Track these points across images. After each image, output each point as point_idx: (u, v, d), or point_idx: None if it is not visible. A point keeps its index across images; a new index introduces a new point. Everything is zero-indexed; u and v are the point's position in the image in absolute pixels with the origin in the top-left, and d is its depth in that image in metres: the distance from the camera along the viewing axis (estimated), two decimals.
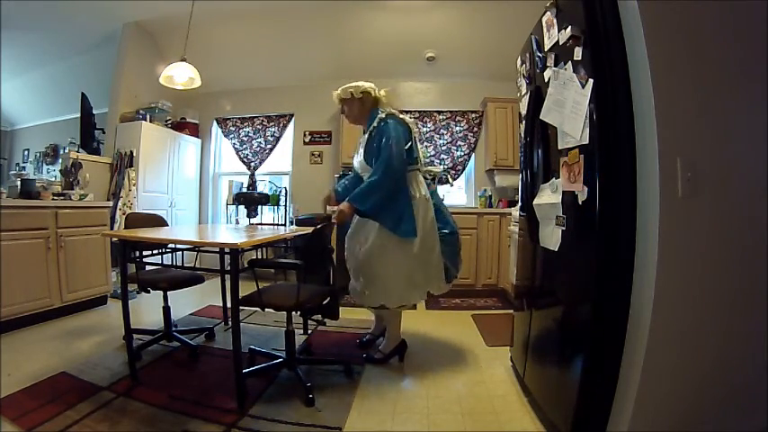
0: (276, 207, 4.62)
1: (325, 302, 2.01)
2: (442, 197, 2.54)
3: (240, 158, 5.11)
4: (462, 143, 4.74)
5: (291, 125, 5.05)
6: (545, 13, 1.67)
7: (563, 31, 1.48)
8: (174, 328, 2.43)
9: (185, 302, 3.31)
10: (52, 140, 5.54)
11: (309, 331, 2.41)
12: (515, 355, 2.12)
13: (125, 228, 2.62)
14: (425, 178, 2.35)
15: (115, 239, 2.63)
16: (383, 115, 2.27)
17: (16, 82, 5.30)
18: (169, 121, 4.68)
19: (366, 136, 2.32)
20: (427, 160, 4.70)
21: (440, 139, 4.76)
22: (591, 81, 1.32)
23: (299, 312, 1.97)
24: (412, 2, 3.97)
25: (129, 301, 2.06)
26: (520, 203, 2.07)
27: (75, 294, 3.00)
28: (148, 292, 2.22)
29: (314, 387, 1.87)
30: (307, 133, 5.00)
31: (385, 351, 2.33)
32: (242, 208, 4.61)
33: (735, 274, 1.27)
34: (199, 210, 5.18)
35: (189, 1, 3.26)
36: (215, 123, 5.25)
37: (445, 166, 4.70)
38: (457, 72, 4.72)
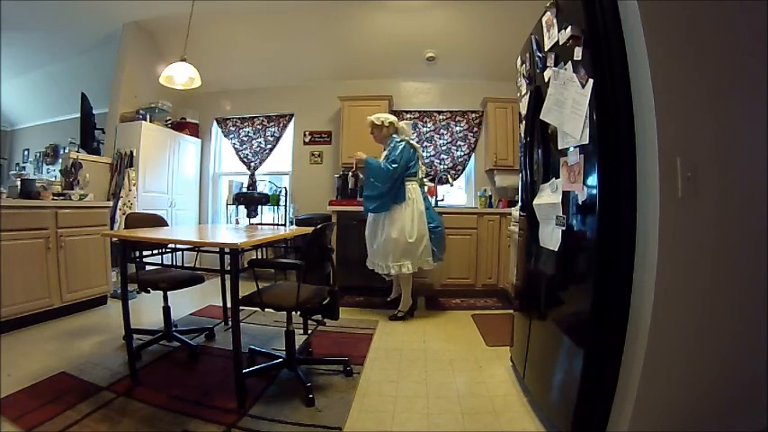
0: (276, 207, 4.62)
1: (325, 302, 2.01)
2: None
3: (240, 158, 5.10)
4: (462, 143, 4.74)
5: (291, 125, 5.05)
6: (545, 13, 1.67)
7: (563, 31, 1.48)
8: (174, 328, 2.43)
9: (185, 302, 3.31)
10: (52, 140, 5.54)
11: (309, 331, 2.41)
12: (515, 355, 2.12)
13: (125, 228, 2.62)
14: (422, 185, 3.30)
15: (115, 239, 2.63)
16: (399, 138, 3.24)
17: (16, 82, 5.30)
18: (169, 121, 4.67)
19: (386, 152, 3.24)
20: (427, 161, 4.72)
21: (440, 139, 4.76)
22: (591, 81, 1.32)
23: (299, 312, 1.97)
24: (412, 2, 3.97)
25: (129, 301, 2.06)
26: (520, 203, 2.07)
27: (75, 294, 3.00)
28: (148, 292, 2.22)
29: (314, 387, 1.88)
30: (307, 133, 5.00)
31: (404, 310, 3.20)
32: (242, 208, 4.60)
33: (735, 273, 1.27)
34: (199, 210, 5.18)
35: (189, 1, 3.26)
36: (215, 123, 5.25)
37: (445, 166, 4.71)
38: (457, 72, 4.72)
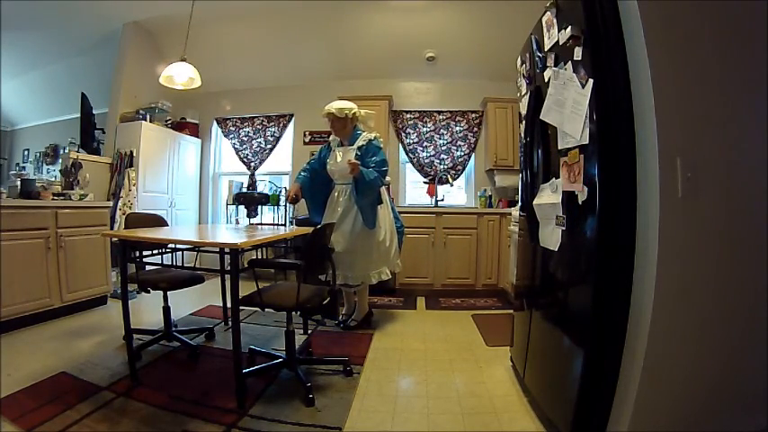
0: (276, 207, 4.62)
1: (325, 302, 2.01)
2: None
3: (240, 158, 5.11)
4: (462, 143, 4.74)
5: (291, 125, 5.05)
6: (545, 13, 1.67)
7: (563, 31, 1.48)
8: (174, 328, 2.43)
9: (185, 302, 3.31)
10: (52, 140, 5.55)
11: (309, 331, 2.42)
12: (515, 355, 2.12)
13: (125, 228, 2.62)
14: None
15: (115, 239, 2.63)
16: (371, 136, 2.80)
17: (16, 82, 5.30)
18: (169, 121, 4.68)
19: (354, 149, 2.76)
20: (427, 161, 4.73)
21: (440, 139, 4.76)
22: (591, 81, 1.32)
23: (299, 312, 1.97)
24: (412, 2, 3.98)
25: (129, 301, 2.06)
26: (520, 203, 2.08)
27: (75, 294, 3.00)
28: (148, 292, 2.22)
29: (314, 387, 1.88)
30: (307, 133, 5.00)
31: (358, 319, 2.90)
32: (242, 208, 4.61)
33: (735, 273, 1.27)
34: (199, 210, 5.18)
35: (189, 1, 3.26)
36: (215, 123, 5.25)
37: (445, 166, 4.71)
38: (457, 72, 4.72)
